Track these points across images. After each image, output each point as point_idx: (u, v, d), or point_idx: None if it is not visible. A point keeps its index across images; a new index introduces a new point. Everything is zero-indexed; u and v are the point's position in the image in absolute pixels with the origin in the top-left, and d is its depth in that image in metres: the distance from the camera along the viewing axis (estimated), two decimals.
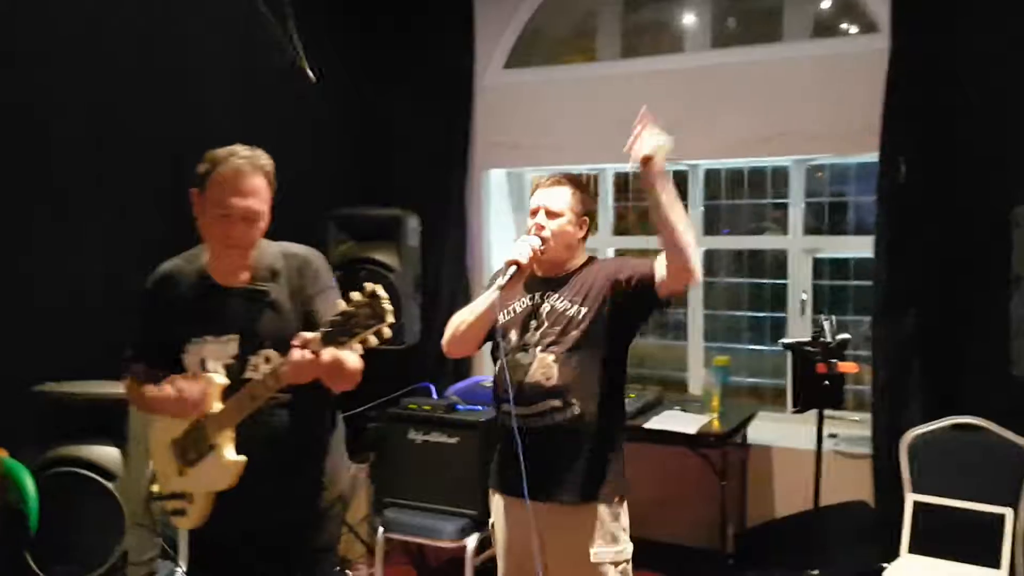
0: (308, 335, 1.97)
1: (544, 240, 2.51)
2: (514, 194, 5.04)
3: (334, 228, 4.21)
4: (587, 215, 2.59)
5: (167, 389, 2.15)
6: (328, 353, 1.96)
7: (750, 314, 4.65)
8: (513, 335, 2.54)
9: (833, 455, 3.84)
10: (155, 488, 3.04)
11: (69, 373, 3.21)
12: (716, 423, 3.85)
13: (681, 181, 4.65)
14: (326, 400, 2.31)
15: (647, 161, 2.24)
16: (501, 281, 2.41)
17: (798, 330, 4.23)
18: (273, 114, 4.07)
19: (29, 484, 2.97)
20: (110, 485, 3.08)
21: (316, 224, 4.14)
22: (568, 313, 2.49)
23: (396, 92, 4.81)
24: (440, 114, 4.75)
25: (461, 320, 2.54)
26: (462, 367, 4.63)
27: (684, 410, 4.02)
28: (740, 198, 4.66)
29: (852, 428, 4.07)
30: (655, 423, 3.85)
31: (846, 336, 2.26)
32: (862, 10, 4.12)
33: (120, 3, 3.63)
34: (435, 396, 4.18)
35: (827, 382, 2.20)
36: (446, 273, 4.72)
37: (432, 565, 4.28)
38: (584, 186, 2.63)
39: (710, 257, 4.68)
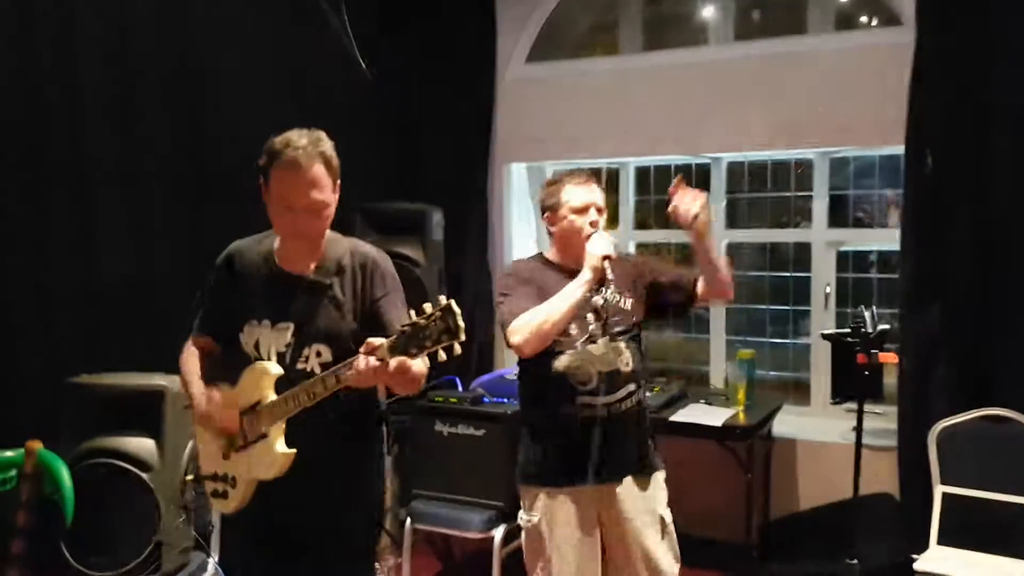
0: (376, 342, 1.95)
1: None
2: (535, 188, 5.04)
3: (360, 222, 4.23)
4: None
5: (202, 397, 2.22)
6: (395, 361, 1.95)
7: (772, 308, 4.65)
8: (573, 328, 2.59)
9: None
10: (188, 477, 3.07)
11: (104, 364, 3.23)
12: (742, 416, 3.86)
13: (704, 175, 4.67)
14: (375, 402, 2.33)
15: (694, 220, 2.41)
16: (599, 278, 2.53)
17: (822, 323, 4.25)
18: (299, 109, 4.07)
19: (65, 476, 2.98)
20: (145, 476, 3.10)
21: (343, 218, 4.15)
22: (621, 305, 2.66)
23: (420, 87, 4.82)
24: (462, 108, 4.76)
25: (544, 319, 2.50)
26: (486, 361, 4.65)
27: (708, 403, 4.04)
28: (763, 192, 4.66)
29: (876, 421, 4.05)
30: (681, 416, 3.87)
31: (886, 327, 2.28)
32: (885, 3, 4.12)
33: None
34: (461, 389, 4.20)
35: (867, 372, 2.21)
36: (468, 267, 4.74)
37: (457, 557, 4.30)
38: None
39: (732, 251, 4.68)
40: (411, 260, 4.11)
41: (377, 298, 2.21)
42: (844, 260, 4.41)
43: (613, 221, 4.92)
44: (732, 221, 4.67)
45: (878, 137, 4.03)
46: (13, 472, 2.96)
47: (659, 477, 2.72)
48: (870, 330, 2.22)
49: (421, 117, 4.84)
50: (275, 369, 2.16)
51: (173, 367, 2.40)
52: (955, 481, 3.38)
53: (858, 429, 2.65)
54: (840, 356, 2.27)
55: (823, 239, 4.38)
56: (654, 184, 4.87)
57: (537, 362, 2.61)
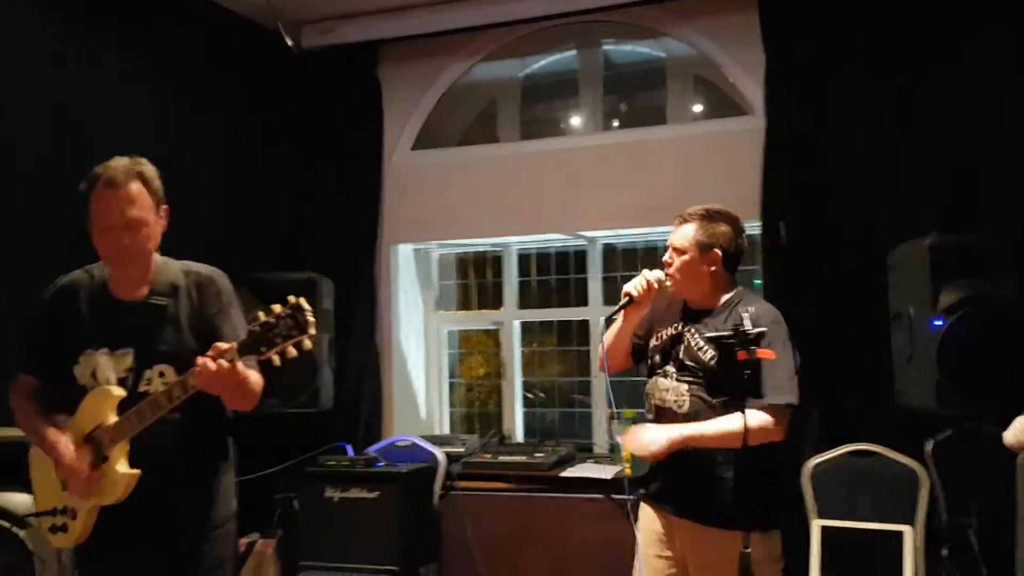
0: (223, 345, 1.99)
1: (669, 276, 2.74)
2: (421, 270, 5.18)
3: (247, 292, 4.20)
4: (716, 247, 2.73)
5: (54, 443, 2.17)
6: (241, 365, 1.98)
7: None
8: (657, 357, 2.77)
9: None
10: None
11: None
12: (628, 471, 4.00)
13: (581, 256, 4.95)
14: (220, 421, 2.33)
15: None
16: (613, 310, 2.73)
17: None
18: (190, 182, 4.08)
19: None
20: (22, 534, 2.90)
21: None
22: (699, 354, 2.63)
23: (312, 171, 4.94)
24: (351, 192, 4.89)
25: (606, 340, 2.87)
26: (373, 433, 4.61)
27: (596, 463, 4.17)
28: (635, 271, 4.94)
29: None
30: (571, 472, 3.98)
31: (763, 329, 2.50)
32: (735, 100, 4.60)
33: (33, 55, 3.63)
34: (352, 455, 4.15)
35: (748, 371, 2.41)
36: (354, 346, 4.73)
37: None
38: (718, 218, 2.80)
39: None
40: None
41: (213, 314, 2.25)
42: None
43: (498, 302, 5.10)
44: (608, 299, 4.92)
45: (738, 213, 4.38)
46: None
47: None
48: (749, 330, 2.43)
49: (313, 197, 4.92)
50: (117, 391, 2.16)
51: None
52: (830, 514, 3.58)
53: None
54: (723, 358, 2.48)
55: None
56: (536, 266, 5.10)
57: None
